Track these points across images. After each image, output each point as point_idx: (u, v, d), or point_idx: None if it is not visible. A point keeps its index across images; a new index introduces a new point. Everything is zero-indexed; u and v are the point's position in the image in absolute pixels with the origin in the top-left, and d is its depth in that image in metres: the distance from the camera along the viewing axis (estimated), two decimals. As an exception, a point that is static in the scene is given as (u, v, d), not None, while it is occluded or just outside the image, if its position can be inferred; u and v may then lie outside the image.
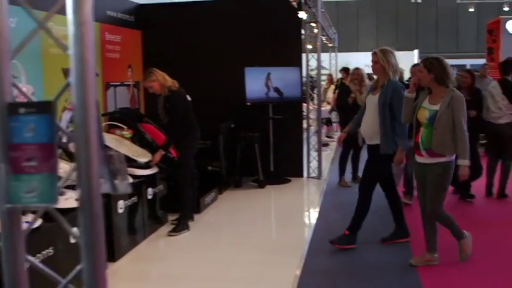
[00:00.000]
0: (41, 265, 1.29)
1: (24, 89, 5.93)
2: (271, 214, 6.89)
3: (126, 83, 7.88)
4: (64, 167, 4.16)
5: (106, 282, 1.23)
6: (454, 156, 4.41)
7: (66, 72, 6.30)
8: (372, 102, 5.04)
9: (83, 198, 1.16)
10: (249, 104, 7.93)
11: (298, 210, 6.99)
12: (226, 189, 7.59)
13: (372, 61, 5.07)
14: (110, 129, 6.01)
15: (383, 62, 4.92)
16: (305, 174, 8.35)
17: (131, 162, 5.40)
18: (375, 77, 5.42)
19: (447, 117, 4.30)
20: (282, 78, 7.90)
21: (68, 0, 1.13)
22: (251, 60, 7.87)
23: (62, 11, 1.33)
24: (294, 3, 6.98)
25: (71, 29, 1.14)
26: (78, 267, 1.23)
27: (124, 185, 1.27)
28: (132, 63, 8.05)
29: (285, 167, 8.20)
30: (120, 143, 5.65)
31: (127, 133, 5.59)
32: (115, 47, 7.50)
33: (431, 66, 4.38)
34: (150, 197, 5.57)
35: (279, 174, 8.12)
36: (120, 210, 4.88)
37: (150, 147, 6.26)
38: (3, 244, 1.24)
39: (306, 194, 7.91)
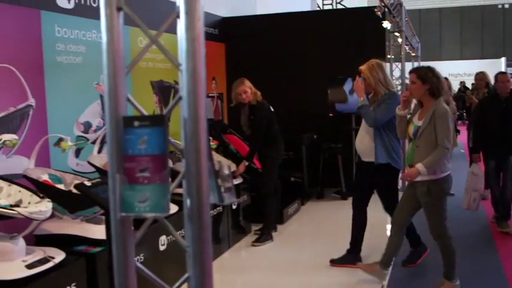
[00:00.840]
0: (149, 272, 1.33)
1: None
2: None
3: (210, 94, 8.05)
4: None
5: (212, 291, 1.26)
6: (443, 174, 4.06)
7: (154, 85, 6.52)
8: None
9: (192, 208, 1.19)
10: (331, 114, 7.88)
11: (381, 223, 6.84)
12: (308, 200, 7.57)
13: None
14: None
15: (368, 79, 4.68)
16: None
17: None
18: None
19: (429, 134, 3.97)
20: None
21: (181, 18, 1.17)
22: (333, 71, 7.83)
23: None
24: (379, 13, 6.90)
25: (183, 44, 1.18)
26: (186, 275, 1.26)
27: (230, 195, 1.30)
28: (216, 75, 8.21)
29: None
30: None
31: (212, 144, 5.71)
32: (200, 59, 7.68)
33: (425, 76, 4.02)
34: (234, 207, 5.65)
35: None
36: (215, 213, 4.98)
37: (234, 158, 6.35)
38: (115, 250, 1.30)
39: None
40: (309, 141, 7.65)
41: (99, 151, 4.98)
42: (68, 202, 3.65)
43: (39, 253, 3.19)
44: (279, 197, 6.23)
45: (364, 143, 4.76)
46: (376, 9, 6.77)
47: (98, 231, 3.68)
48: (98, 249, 3.57)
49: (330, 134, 7.87)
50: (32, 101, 4.67)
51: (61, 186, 3.83)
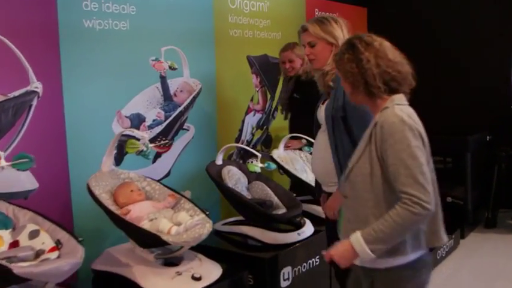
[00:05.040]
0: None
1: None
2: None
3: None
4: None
5: None
6: (405, 257, 1.91)
7: (253, 63, 4.75)
8: (318, 119, 2.73)
9: None
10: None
11: None
12: (472, 231, 5.31)
13: (305, 45, 2.66)
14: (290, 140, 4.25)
15: (325, 42, 2.62)
16: None
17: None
18: None
19: (365, 171, 1.90)
20: None
21: None
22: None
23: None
24: None
25: None
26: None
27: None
28: (353, 50, 6.20)
29: None
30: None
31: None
32: (328, 28, 5.73)
33: (340, 64, 2.00)
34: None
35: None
36: (285, 283, 3.08)
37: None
38: None
39: None
40: (478, 144, 5.45)
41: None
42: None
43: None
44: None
45: (318, 160, 2.68)
46: None
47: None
48: None
49: (512, 135, 5.53)
50: (36, 85, 3.16)
51: (5, 234, 2.26)
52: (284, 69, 4.30)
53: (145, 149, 2.58)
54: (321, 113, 2.62)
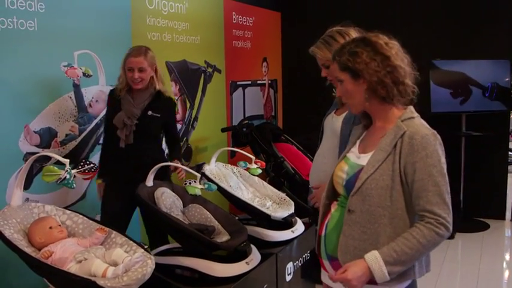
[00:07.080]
0: None
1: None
2: (457, 278, 4.42)
3: (259, 81, 5.82)
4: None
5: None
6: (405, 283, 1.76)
7: (172, 69, 4.35)
8: (331, 130, 2.50)
9: None
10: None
11: (494, 273, 4.48)
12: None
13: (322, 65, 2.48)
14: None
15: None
16: (508, 215, 5.78)
17: (264, 219, 3.25)
18: None
19: (385, 184, 1.69)
20: (484, 76, 5.37)
21: None
22: (439, 52, 5.46)
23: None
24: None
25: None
26: None
27: None
28: (268, 56, 5.97)
29: (481, 205, 5.69)
30: (246, 183, 3.56)
31: (254, 167, 3.44)
32: (246, 32, 5.45)
33: (354, 59, 1.74)
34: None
35: (472, 215, 5.64)
36: (289, 277, 2.97)
37: (291, 180, 4.17)
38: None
39: (509, 246, 5.35)
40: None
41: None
42: None
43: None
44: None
45: (322, 173, 2.43)
46: None
47: None
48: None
49: None
50: None
51: None
52: (130, 78, 3.14)
53: (68, 176, 2.11)
54: (337, 122, 2.42)
